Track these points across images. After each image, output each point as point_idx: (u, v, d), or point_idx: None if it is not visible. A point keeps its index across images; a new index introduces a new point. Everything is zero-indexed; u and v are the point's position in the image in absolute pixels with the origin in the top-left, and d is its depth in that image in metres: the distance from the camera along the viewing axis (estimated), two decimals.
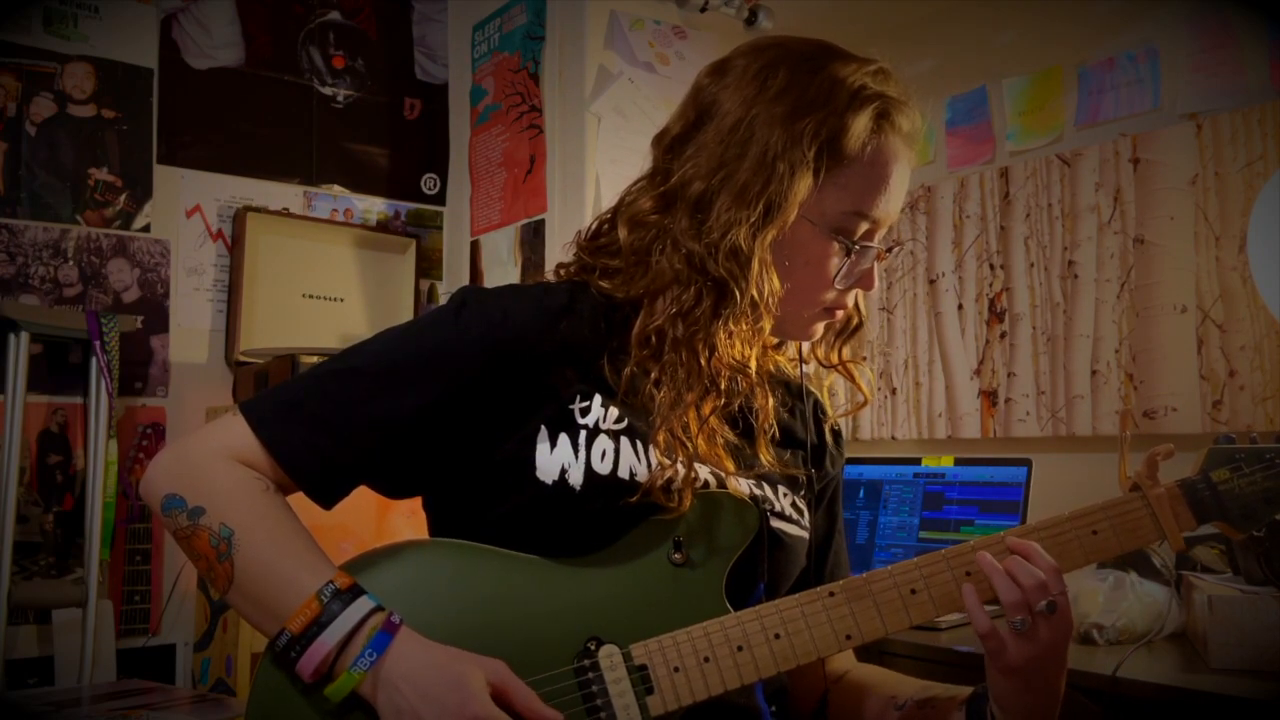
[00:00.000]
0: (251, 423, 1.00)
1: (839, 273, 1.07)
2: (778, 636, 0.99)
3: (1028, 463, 2.06)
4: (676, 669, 0.97)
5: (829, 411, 1.23)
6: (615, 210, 1.12)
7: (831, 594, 1.01)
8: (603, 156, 2.45)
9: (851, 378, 1.19)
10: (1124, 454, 1.07)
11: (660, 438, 1.00)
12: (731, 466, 1.05)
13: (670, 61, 2.57)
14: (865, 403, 1.18)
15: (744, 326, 1.03)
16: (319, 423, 1.00)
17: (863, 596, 1.01)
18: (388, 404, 1.00)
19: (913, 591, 1.01)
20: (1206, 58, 2.12)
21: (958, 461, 2.19)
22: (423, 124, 2.91)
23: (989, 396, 2.42)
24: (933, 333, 2.54)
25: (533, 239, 2.55)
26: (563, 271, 1.14)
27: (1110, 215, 2.23)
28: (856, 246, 1.06)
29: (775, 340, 1.18)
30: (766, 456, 1.07)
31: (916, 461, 2.26)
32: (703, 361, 1.01)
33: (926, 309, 2.56)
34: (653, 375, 1.03)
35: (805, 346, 1.19)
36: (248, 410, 1.01)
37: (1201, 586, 1.65)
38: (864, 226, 1.06)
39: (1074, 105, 2.34)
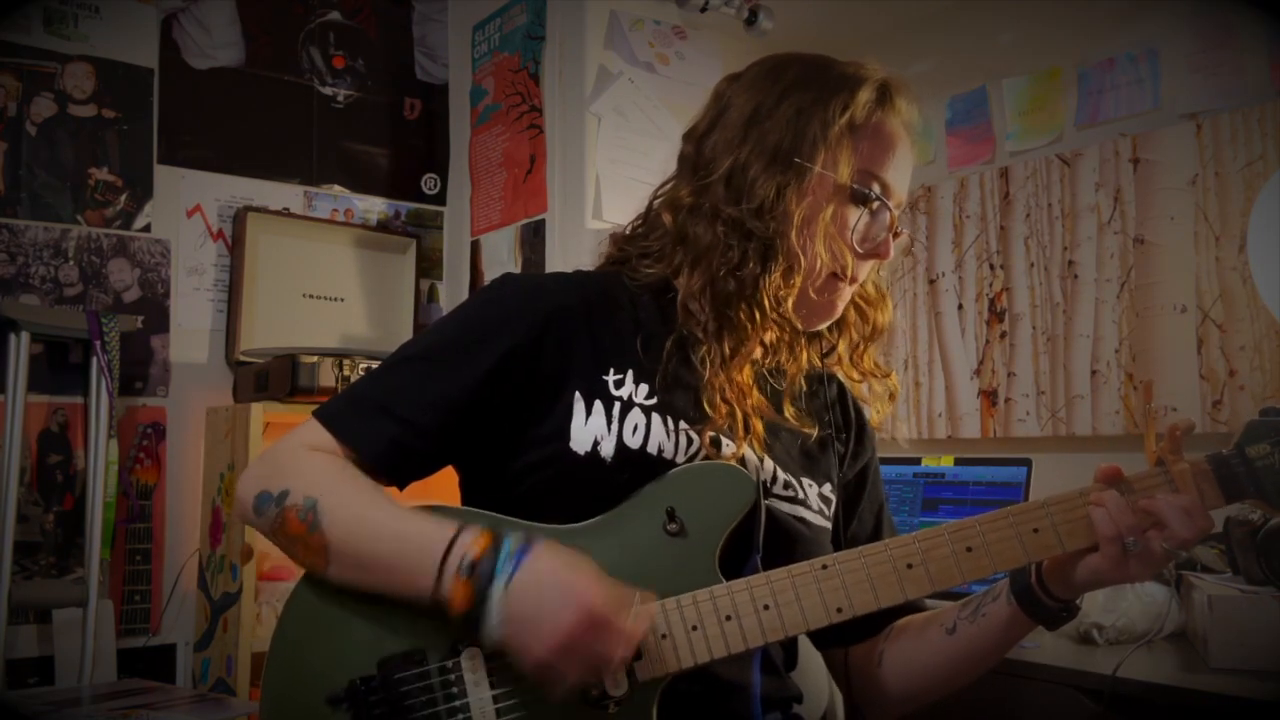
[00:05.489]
0: (322, 421, 1.07)
1: (856, 229, 1.13)
2: (767, 607, 1.00)
3: (1028, 463, 2.07)
4: (664, 636, 0.99)
5: (853, 393, 1.28)
6: (648, 208, 1.20)
7: (825, 566, 1.02)
8: (603, 156, 2.45)
9: (879, 378, 1.24)
10: (1151, 427, 1.04)
11: (709, 398, 1.07)
12: (760, 427, 1.10)
13: (670, 61, 2.57)
14: (893, 395, 1.24)
15: (784, 281, 1.09)
16: (381, 408, 1.06)
17: (856, 570, 1.01)
18: (442, 385, 1.06)
19: (909, 566, 1.01)
20: (1206, 58, 2.12)
21: (958, 461, 2.19)
22: (423, 124, 2.91)
23: (989, 396, 2.42)
24: (933, 333, 2.54)
25: (533, 239, 2.55)
26: (594, 266, 1.23)
27: (1110, 215, 2.23)
28: (875, 199, 1.12)
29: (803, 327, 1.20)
30: (790, 411, 1.14)
31: (916, 461, 2.26)
32: (756, 316, 1.08)
33: (926, 309, 2.56)
34: (701, 336, 1.10)
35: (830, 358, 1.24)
36: (318, 412, 1.08)
37: (1201, 586, 1.65)
38: (876, 189, 1.13)
39: (1074, 105, 2.34)
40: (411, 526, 0.98)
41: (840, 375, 1.25)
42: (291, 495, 1.00)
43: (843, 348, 1.23)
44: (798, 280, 1.10)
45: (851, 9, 2.56)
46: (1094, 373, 2.24)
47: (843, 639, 1.22)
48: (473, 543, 0.94)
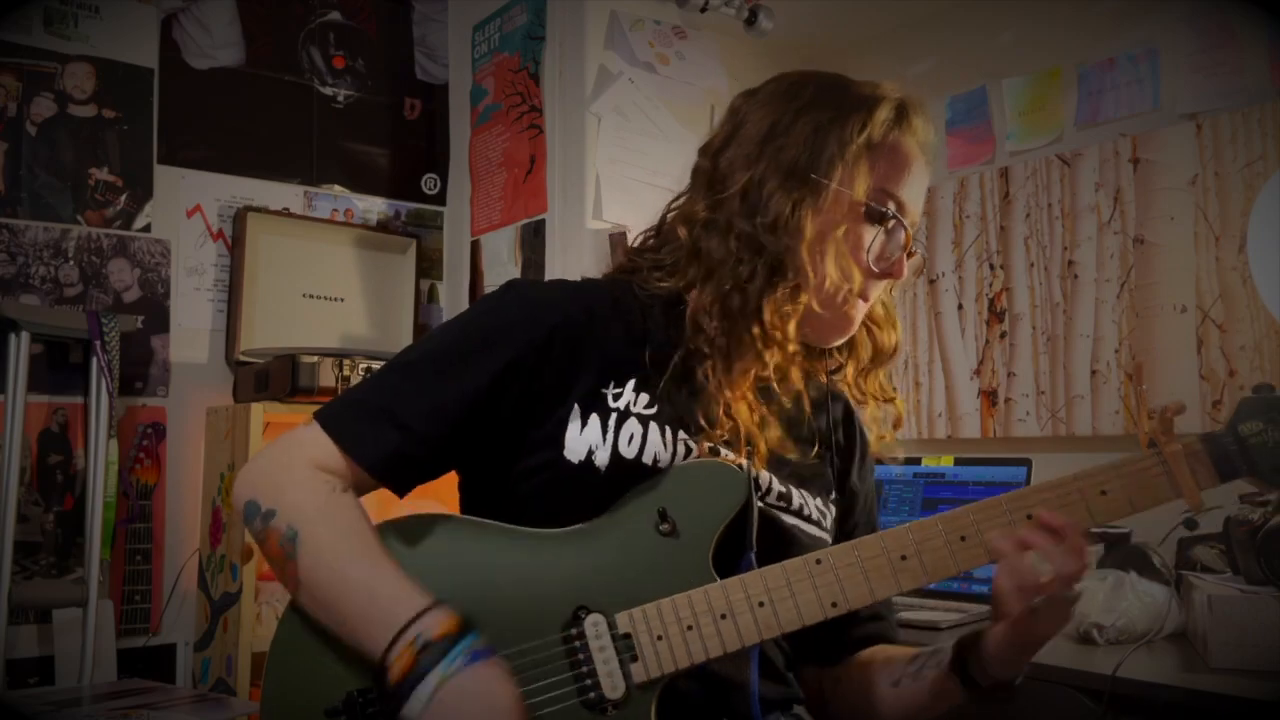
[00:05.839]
0: (322, 423, 1.06)
1: (871, 250, 1.12)
2: (762, 605, 1.00)
3: (1028, 463, 2.07)
4: (660, 637, 0.99)
5: (857, 412, 1.27)
6: (660, 222, 1.20)
7: (818, 561, 1.02)
8: (603, 156, 2.45)
9: (888, 402, 1.23)
10: (1142, 409, 1.03)
11: (711, 412, 1.07)
12: (764, 447, 1.09)
13: (670, 61, 2.57)
14: (897, 423, 1.23)
15: (790, 297, 1.08)
16: (383, 414, 1.05)
17: (850, 563, 1.01)
18: (443, 391, 1.06)
19: (903, 558, 1.01)
20: (1206, 58, 2.12)
21: (958, 461, 2.19)
22: (423, 124, 2.91)
23: (989, 396, 2.42)
24: (933, 333, 2.54)
25: (533, 239, 2.55)
26: (602, 273, 1.23)
27: (1110, 215, 2.23)
28: (891, 218, 1.12)
29: (818, 347, 1.20)
30: (793, 428, 1.14)
31: (916, 461, 2.26)
32: (760, 333, 1.08)
33: (926, 309, 2.56)
34: (707, 351, 1.09)
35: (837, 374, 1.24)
36: (319, 415, 1.07)
37: (1201, 586, 1.65)
38: (892, 207, 1.13)
39: (1074, 105, 2.34)
40: (385, 588, 0.96)
41: (846, 395, 1.25)
42: (277, 518, 1.00)
43: (850, 369, 1.23)
44: (805, 298, 1.09)
45: (851, 9, 2.56)
46: (1094, 373, 2.24)
47: (816, 659, 1.22)
48: (438, 623, 0.93)
